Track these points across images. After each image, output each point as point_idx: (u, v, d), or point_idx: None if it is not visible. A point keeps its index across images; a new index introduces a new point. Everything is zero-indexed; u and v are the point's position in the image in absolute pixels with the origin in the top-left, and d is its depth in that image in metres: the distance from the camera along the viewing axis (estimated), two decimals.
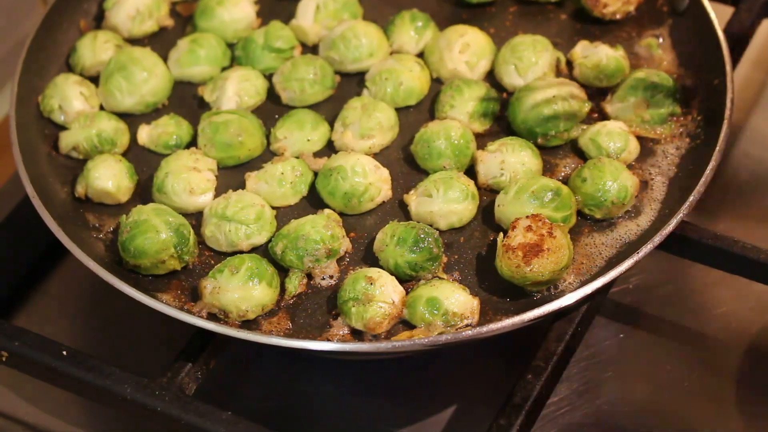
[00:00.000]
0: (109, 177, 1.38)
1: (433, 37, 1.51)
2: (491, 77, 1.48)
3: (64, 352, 1.25)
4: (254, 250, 1.33)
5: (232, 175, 1.41)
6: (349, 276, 1.26)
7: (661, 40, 1.51)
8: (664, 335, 1.38)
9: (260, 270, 1.26)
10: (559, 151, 1.40)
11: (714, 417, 1.30)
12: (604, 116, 1.42)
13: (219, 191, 1.38)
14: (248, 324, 1.26)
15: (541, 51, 1.46)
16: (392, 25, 1.52)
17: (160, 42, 1.56)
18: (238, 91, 1.46)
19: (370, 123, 1.40)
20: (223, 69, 1.51)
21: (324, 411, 1.33)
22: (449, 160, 1.37)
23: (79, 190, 1.39)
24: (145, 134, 1.45)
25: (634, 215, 1.33)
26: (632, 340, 1.37)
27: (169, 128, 1.44)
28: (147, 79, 1.47)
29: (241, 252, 1.32)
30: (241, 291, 1.25)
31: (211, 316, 1.25)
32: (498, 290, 1.27)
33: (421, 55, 1.51)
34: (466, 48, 1.47)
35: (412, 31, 1.51)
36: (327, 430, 1.32)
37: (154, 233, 1.29)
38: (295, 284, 1.28)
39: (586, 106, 1.41)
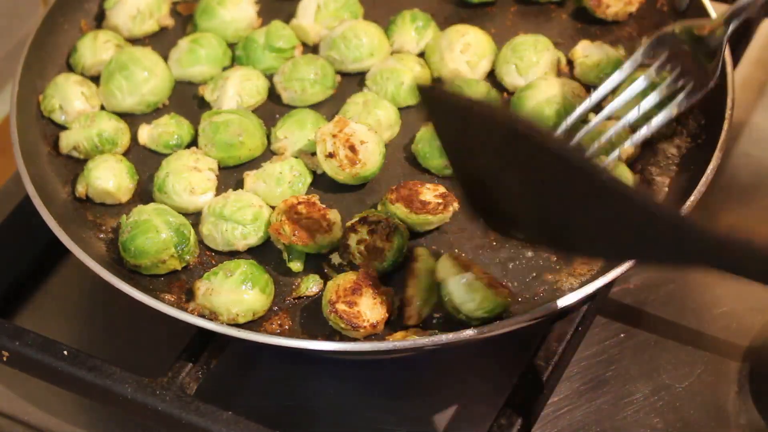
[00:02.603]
0: (110, 177, 1.38)
1: (434, 37, 1.51)
2: (492, 77, 1.48)
3: (65, 352, 1.25)
4: (253, 251, 1.33)
5: (232, 175, 1.41)
6: (329, 289, 1.25)
7: None
8: (664, 335, 1.38)
9: (254, 275, 1.26)
10: None
11: (714, 417, 1.30)
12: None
13: (220, 191, 1.39)
14: (249, 324, 1.26)
15: (542, 51, 1.46)
16: (393, 25, 1.52)
17: (161, 42, 1.56)
18: (239, 90, 1.46)
19: (369, 119, 1.40)
20: (224, 69, 1.51)
21: (324, 411, 1.33)
22: None
23: (80, 189, 1.39)
24: (145, 134, 1.45)
25: None
26: (632, 340, 1.37)
27: (170, 128, 1.44)
28: (148, 78, 1.47)
29: (238, 252, 1.32)
30: (233, 294, 1.25)
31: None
32: None
33: (421, 55, 1.51)
34: (468, 48, 1.47)
35: (413, 31, 1.51)
36: (327, 430, 1.32)
37: (155, 233, 1.29)
38: (309, 285, 1.28)
39: None
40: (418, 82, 1.43)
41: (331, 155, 1.35)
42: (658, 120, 1.32)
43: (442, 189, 1.33)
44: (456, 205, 1.31)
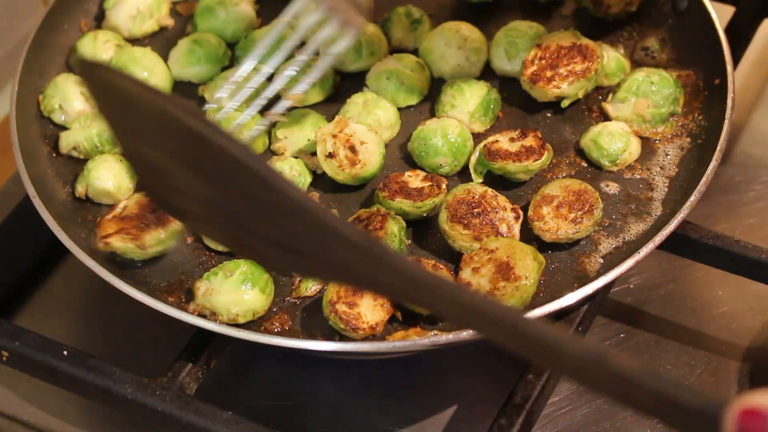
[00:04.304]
0: (110, 177, 1.38)
1: (429, 36, 1.50)
2: (489, 67, 1.50)
3: (65, 352, 1.25)
4: None
5: None
6: (330, 289, 1.25)
7: (661, 39, 1.51)
8: (664, 335, 1.38)
9: (254, 275, 1.26)
10: (560, 150, 1.40)
11: None
12: (605, 116, 1.43)
13: None
14: (249, 324, 1.26)
15: (534, 38, 1.46)
16: (389, 22, 1.53)
17: (160, 42, 1.57)
18: None
19: (369, 119, 1.40)
20: (224, 69, 1.51)
21: (324, 411, 1.33)
22: (446, 158, 1.37)
23: (80, 189, 1.39)
24: None
25: (635, 214, 1.33)
26: (632, 340, 1.37)
27: None
28: (147, 78, 1.47)
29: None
30: (233, 294, 1.24)
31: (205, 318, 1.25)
32: None
33: (416, 51, 1.51)
34: (464, 42, 1.47)
35: (409, 26, 1.52)
36: (327, 430, 1.32)
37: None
38: (309, 285, 1.28)
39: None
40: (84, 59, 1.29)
41: (331, 155, 1.35)
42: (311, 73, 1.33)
43: (421, 173, 1.35)
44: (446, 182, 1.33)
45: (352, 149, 1.35)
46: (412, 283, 0.85)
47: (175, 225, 1.30)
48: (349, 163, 1.35)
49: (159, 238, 1.30)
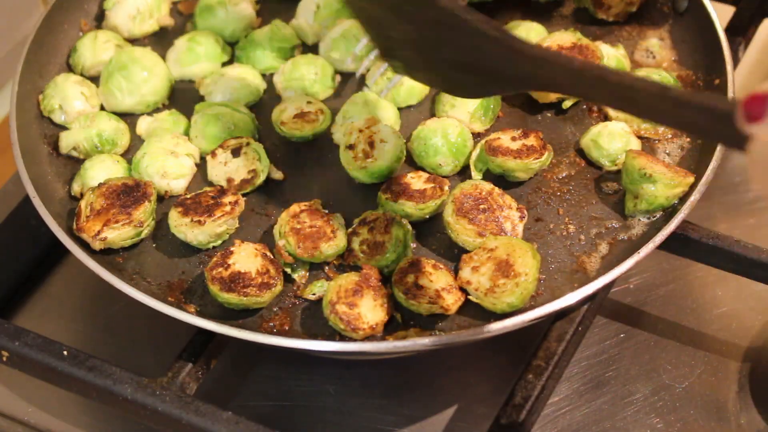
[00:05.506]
0: (106, 176, 1.38)
1: None
2: None
3: (65, 352, 1.25)
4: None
5: None
6: (330, 289, 1.25)
7: (661, 39, 1.51)
8: (664, 335, 1.38)
9: None
10: (560, 150, 1.40)
11: (714, 417, 1.30)
12: (605, 116, 1.43)
13: (198, 179, 1.39)
14: (248, 324, 1.26)
15: (534, 38, 1.46)
16: None
17: (161, 41, 1.57)
18: (230, 88, 1.46)
19: None
20: (223, 65, 1.52)
21: (324, 411, 1.33)
22: (446, 158, 1.37)
23: (76, 188, 1.39)
24: (144, 125, 1.45)
25: (635, 214, 1.33)
26: (632, 340, 1.37)
27: (166, 124, 1.44)
28: (147, 78, 1.47)
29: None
30: None
31: (211, 316, 1.25)
32: None
33: None
34: None
35: None
36: (327, 430, 1.32)
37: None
38: (313, 290, 1.28)
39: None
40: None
41: (351, 147, 1.35)
42: None
43: (423, 175, 1.35)
44: (448, 185, 1.33)
45: (371, 145, 1.35)
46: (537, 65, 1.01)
47: (153, 192, 1.33)
48: (363, 156, 1.35)
49: (150, 210, 1.32)
